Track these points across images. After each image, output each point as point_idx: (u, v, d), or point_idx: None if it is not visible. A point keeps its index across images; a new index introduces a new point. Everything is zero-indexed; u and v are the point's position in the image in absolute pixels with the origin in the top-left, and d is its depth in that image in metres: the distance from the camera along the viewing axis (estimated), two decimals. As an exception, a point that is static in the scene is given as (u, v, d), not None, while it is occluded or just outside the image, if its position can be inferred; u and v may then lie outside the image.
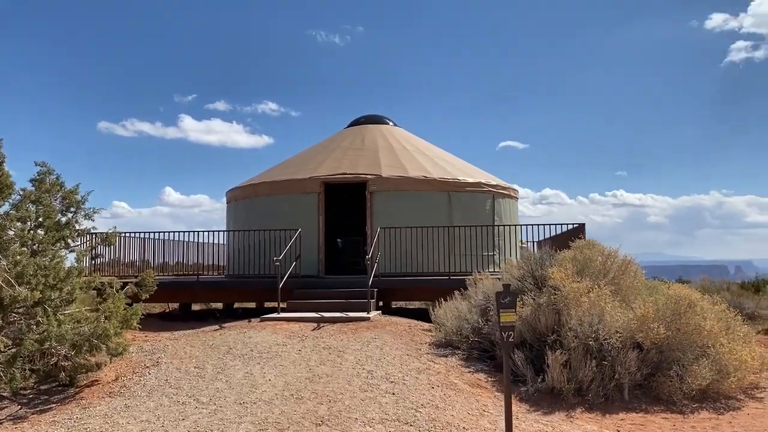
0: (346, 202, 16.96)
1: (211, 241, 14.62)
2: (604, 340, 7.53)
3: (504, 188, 14.81)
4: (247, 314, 13.21)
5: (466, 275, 12.49)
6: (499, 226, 13.62)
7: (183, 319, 13.87)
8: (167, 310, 16.16)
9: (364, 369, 7.56)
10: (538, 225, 12.72)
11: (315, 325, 10.14)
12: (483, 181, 14.32)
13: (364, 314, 10.67)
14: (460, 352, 8.63)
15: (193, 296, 13.42)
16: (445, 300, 10.23)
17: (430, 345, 8.95)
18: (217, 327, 10.58)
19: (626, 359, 7.35)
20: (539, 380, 7.35)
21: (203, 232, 13.84)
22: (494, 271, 13.07)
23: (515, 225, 12.80)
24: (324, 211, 13.72)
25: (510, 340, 5.45)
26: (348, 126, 17.22)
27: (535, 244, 15.05)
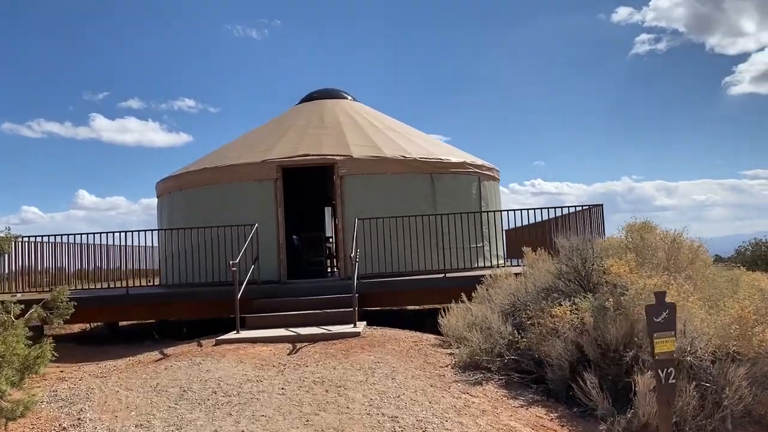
0: (299, 191, 14.61)
1: (138, 243, 11.90)
2: (700, 354, 5.67)
3: (489, 169, 12.85)
4: (192, 332, 10.67)
5: (459, 272, 10.61)
6: (493, 211, 11.66)
7: (110, 341, 11.20)
8: (88, 329, 13.37)
9: (384, 415, 5.36)
10: (538, 209, 10.80)
11: (290, 346, 7.86)
12: (467, 161, 12.30)
13: (349, 328, 8.48)
14: (494, 375, 6.56)
15: (124, 313, 10.76)
16: (444, 304, 8.36)
17: (453, 368, 6.82)
18: (159, 355, 8.09)
19: (735, 377, 5.51)
20: (628, 413, 5.38)
21: (133, 232, 11.04)
22: (485, 266, 11.21)
23: (519, 210, 10.61)
24: (283, 202, 11.33)
25: (671, 381, 3.43)
26: (300, 102, 14.77)
27: (504, 232, 13.39)
